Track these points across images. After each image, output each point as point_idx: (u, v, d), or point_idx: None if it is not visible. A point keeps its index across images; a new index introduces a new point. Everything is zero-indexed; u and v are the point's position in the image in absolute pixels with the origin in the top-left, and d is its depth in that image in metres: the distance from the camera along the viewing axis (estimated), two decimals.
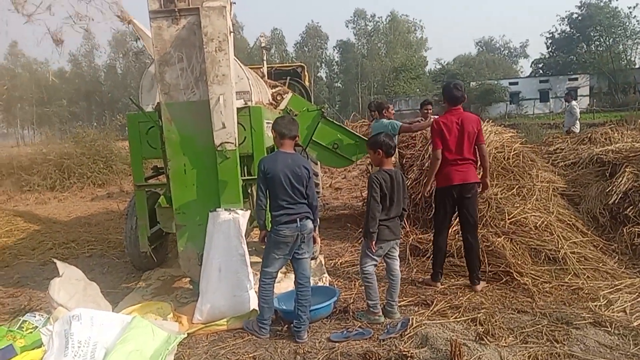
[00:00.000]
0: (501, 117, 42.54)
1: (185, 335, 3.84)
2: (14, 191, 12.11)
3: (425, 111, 7.63)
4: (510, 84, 54.04)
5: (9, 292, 5.46)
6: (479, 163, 4.72)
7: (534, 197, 5.80)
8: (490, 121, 8.22)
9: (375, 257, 4.06)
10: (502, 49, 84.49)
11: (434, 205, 4.94)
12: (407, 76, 60.84)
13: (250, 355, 3.58)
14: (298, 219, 3.80)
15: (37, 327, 3.76)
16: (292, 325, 3.87)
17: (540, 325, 3.74)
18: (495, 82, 52.22)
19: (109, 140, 14.80)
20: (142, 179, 5.16)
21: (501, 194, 5.76)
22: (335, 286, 4.81)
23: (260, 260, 4.05)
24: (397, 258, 4.19)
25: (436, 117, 6.38)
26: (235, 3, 4.28)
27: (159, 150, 4.80)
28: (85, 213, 10.13)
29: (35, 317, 3.88)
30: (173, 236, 5.35)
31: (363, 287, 4.20)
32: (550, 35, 62.16)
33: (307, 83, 10.06)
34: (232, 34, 4.13)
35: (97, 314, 3.59)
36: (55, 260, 4.33)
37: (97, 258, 6.67)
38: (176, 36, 4.09)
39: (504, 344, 3.45)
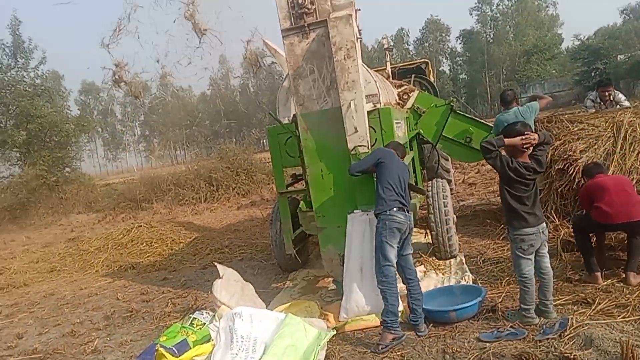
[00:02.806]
0: None
1: (335, 332, 4.01)
2: (173, 205, 13.72)
3: (606, 94, 6.70)
4: None
5: (178, 293, 6.19)
6: None
7: None
8: None
9: (527, 257, 3.72)
10: None
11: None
12: (540, 58, 56.02)
13: (397, 353, 3.62)
14: (406, 210, 3.99)
15: (205, 323, 4.21)
16: (410, 320, 3.94)
17: None
18: None
19: (249, 153, 16.04)
20: (283, 186, 5.53)
21: None
22: (480, 285, 4.63)
23: None
24: (547, 255, 3.85)
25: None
26: (360, 10, 4.40)
27: (297, 159, 5.11)
28: (234, 221, 11.11)
29: (203, 314, 4.36)
30: (314, 238, 5.65)
31: (519, 290, 3.89)
32: None
33: (432, 78, 9.85)
34: (359, 40, 4.25)
35: (255, 312, 3.93)
36: (216, 264, 4.82)
37: (247, 261, 7.27)
38: (307, 49, 4.33)
39: None
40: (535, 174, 3.69)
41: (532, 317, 3.73)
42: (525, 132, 3.67)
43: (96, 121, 47.43)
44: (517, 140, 3.65)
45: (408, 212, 4.03)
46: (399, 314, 4.12)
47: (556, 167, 5.73)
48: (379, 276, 3.90)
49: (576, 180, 5.36)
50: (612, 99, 6.74)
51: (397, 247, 3.93)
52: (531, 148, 3.69)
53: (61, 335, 5.27)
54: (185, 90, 74.53)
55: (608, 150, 5.43)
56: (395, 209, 3.91)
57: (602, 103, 6.77)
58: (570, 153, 5.60)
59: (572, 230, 4.76)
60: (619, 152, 5.33)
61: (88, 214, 15.04)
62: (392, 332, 3.77)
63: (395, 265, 3.93)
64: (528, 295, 3.73)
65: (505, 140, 3.69)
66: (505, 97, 6.39)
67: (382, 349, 3.68)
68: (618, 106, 6.59)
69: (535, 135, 3.67)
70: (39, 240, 12.04)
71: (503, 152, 3.74)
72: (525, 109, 6.10)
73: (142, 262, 8.20)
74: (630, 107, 6.37)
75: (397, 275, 4.15)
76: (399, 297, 4.10)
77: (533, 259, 3.74)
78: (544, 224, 3.78)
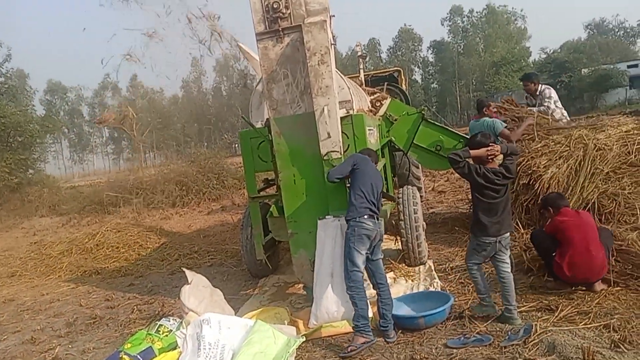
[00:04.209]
0: (620, 104, 38.58)
1: (304, 339, 3.99)
2: (141, 209, 13.42)
3: (526, 88, 7.22)
4: (629, 66, 48.67)
5: (144, 299, 6.05)
6: None
7: None
8: (604, 114, 7.42)
9: (477, 260, 4.02)
10: (617, 30, 76.60)
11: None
12: (508, 69, 57.63)
13: (366, 359, 3.62)
14: (376, 217, 4.01)
15: (171, 330, 4.13)
16: (380, 326, 3.94)
17: None
18: (612, 67, 47.38)
19: (220, 157, 15.85)
20: (255, 191, 5.48)
21: (629, 189, 5.23)
22: (448, 291, 4.69)
23: None
24: (507, 261, 3.98)
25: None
26: (334, 16, 4.42)
27: (269, 163, 5.08)
28: (204, 226, 10.94)
29: (169, 321, 4.27)
30: (285, 244, 5.62)
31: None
32: None
33: (404, 87, 9.99)
34: (333, 46, 4.27)
35: (223, 318, 3.87)
36: (184, 269, 4.72)
37: (217, 267, 7.17)
38: (281, 54, 4.33)
39: None
40: (505, 179, 3.85)
41: (490, 303, 4.02)
42: (489, 144, 3.90)
43: (62, 122, 46.18)
44: (482, 151, 3.89)
45: (378, 219, 4.05)
46: (369, 320, 4.14)
47: (521, 182, 5.85)
48: (347, 281, 3.92)
49: (540, 195, 5.49)
50: (538, 93, 7.13)
51: (366, 253, 3.96)
52: (496, 159, 3.90)
53: (20, 342, 5.07)
54: (156, 92, 73.44)
55: (571, 167, 5.58)
56: (365, 216, 3.93)
57: (531, 97, 7.23)
58: (534, 168, 5.74)
59: (531, 242, 4.80)
60: (585, 170, 5.46)
61: (52, 217, 14.55)
62: (364, 335, 3.80)
63: (362, 270, 3.95)
64: (478, 284, 4.04)
65: (471, 152, 3.91)
66: (479, 104, 6.79)
67: (351, 351, 3.68)
68: (545, 101, 7.07)
69: (498, 147, 3.91)
70: (0, 244, 11.59)
71: (471, 161, 3.92)
72: (490, 124, 6.28)
73: (108, 267, 7.98)
74: (549, 109, 6.91)
75: (368, 281, 4.18)
76: (369, 303, 4.12)
77: (482, 261, 4.07)
78: (507, 234, 3.94)
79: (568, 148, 5.75)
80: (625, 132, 5.91)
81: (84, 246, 9.11)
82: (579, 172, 5.47)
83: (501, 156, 3.99)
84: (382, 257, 4.19)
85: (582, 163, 5.52)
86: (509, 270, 3.96)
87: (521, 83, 7.68)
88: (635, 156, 5.57)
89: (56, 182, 19.20)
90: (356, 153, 4.40)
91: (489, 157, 3.89)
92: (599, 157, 5.56)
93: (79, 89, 76.26)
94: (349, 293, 3.91)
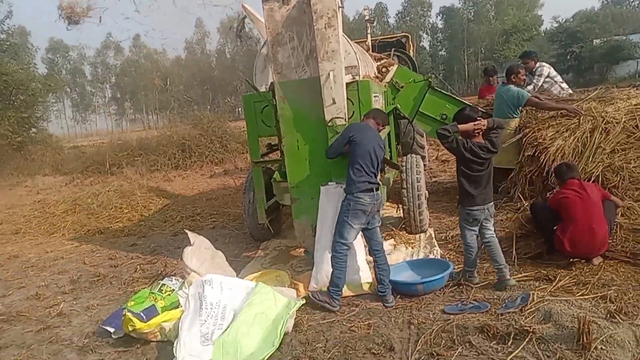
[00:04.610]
0: (630, 77, 37.83)
1: (304, 301, 4.05)
2: (144, 170, 13.45)
3: (527, 65, 7.17)
4: None
5: (147, 259, 6.13)
6: None
7: None
8: (614, 86, 7.28)
9: (472, 228, 4.12)
10: (632, 0, 74.54)
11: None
12: (518, 38, 56.39)
13: (364, 323, 3.69)
14: (374, 188, 3.99)
15: (174, 289, 4.19)
16: (378, 292, 4.04)
17: None
18: (624, 38, 46.26)
19: (223, 121, 15.75)
20: (258, 155, 5.46)
21: (635, 163, 5.19)
22: (447, 259, 4.74)
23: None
24: (491, 228, 4.15)
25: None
26: None
27: (273, 128, 5.04)
28: (206, 189, 10.99)
29: (172, 281, 4.34)
30: (287, 209, 5.65)
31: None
32: None
33: (412, 53, 9.80)
34: (340, 9, 4.16)
35: (225, 280, 3.92)
36: (187, 231, 4.78)
37: (219, 229, 7.24)
38: (287, 16, 4.23)
39: (639, 323, 3.18)
40: (489, 153, 3.99)
41: (473, 276, 4.20)
42: (477, 118, 4.00)
43: (64, 81, 45.71)
44: (469, 126, 3.99)
45: (378, 189, 4.04)
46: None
47: (526, 154, 5.80)
48: (332, 250, 4.05)
49: (546, 168, 5.46)
50: (534, 70, 7.14)
51: (361, 226, 4.03)
52: (482, 132, 4.01)
53: (25, 297, 5.17)
54: (159, 53, 72.42)
55: (578, 139, 5.52)
56: (362, 191, 3.94)
57: (530, 75, 7.18)
58: (540, 140, 5.67)
59: (530, 213, 4.81)
60: (592, 144, 5.39)
61: (55, 177, 14.60)
62: (329, 301, 3.97)
63: (350, 244, 4.05)
64: (470, 260, 4.18)
65: (459, 126, 4.01)
66: (509, 70, 6.44)
67: (314, 297, 4.01)
68: (535, 78, 7.13)
69: (485, 122, 4.00)
70: (3, 202, 11.67)
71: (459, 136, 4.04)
72: (516, 94, 6.14)
73: (111, 227, 8.06)
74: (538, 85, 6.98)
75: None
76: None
77: (477, 230, 4.14)
78: (491, 203, 4.12)
79: (577, 121, 5.67)
80: (635, 105, 5.81)
81: (87, 206, 9.19)
82: (586, 145, 5.40)
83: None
84: (380, 224, 4.23)
85: (590, 137, 5.45)
86: (494, 235, 4.15)
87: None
88: None
89: (59, 142, 19.16)
90: (353, 123, 4.30)
91: (476, 131, 3.99)
92: (606, 132, 5.48)
93: (81, 48, 75.20)
94: (332, 260, 4.04)
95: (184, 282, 4.30)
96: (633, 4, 73.63)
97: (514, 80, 6.29)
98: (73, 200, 9.68)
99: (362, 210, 3.95)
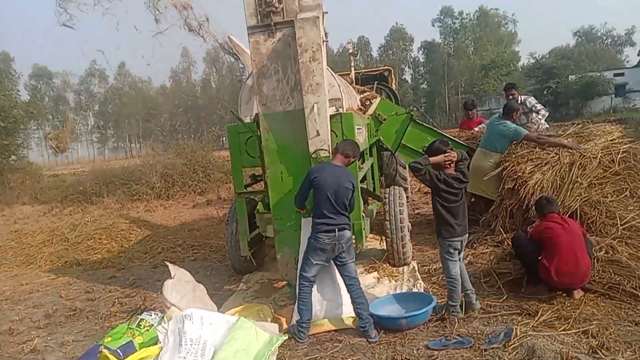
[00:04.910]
0: (605, 112, 39.09)
1: (286, 337, 3.98)
2: (125, 200, 13.27)
3: (510, 97, 7.30)
4: (615, 75, 49.36)
5: (126, 292, 5.97)
6: None
7: None
8: (589, 121, 7.48)
9: (454, 259, 4.16)
10: (605, 38, 77.81)
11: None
12: (497, 73, 58.16)
13: (348, 359, 3.63)
14: (337, 229, 4.00)
15: (153, 325, 4.06)
16: (359, 327, 4.02)
17: None
18: (598, 74, 48.05)
19: (207, 150, 15.74)
20: (242, 186, 5.44)
21: (611, 197, 5.30)
22: (431, 293, 4.72)
23: (357, 267, 4.11)
24: (461, 255, 4.30)
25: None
26: (327, 13, 4.40)
27: (257, 159, 5.04)
28: (188, 219, 10.84)
29: (151, 315, 4.20)
30: (270, 241, 5.59)
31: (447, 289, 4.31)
32: None
33: (394, 86, 10.00)
34: (325, 43, 4.24)
35: (206, 314, 3.84)
36: (167, 263, 4.68)
37: (200, 261, 7.11)
38: (272, 49, 4.29)
39: (621, 359, 3.18)
40: (461, 183, 4.15)
41: (457, 311, 4.16)
42: (447, 150, 4.09)
43: (46, 109, 45.36)
44: (440, 158, 4.13)
45: (341, 230, 4.02)
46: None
47: (506, 187, 5.87)
48: (297, 285, 4.17)
49: (525, 201, 5.52)
50: (520, 103, 7.16)
51: (322, 263, 4.09)
52: (452, 164, 4.15)
53: None
54: (144, 82, 72.61)
55: (556, 173, 5.61)
56: (321, 232, 3.99)
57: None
58: (520, 174, 5.75)
59: (512, 245, 4.85)
60: (570, 178, 5.50)
61: (33, 206, 14.32)
62: (297, 335, 4.04)
63: (311, 280, 4.10)
64: (455, 293, 4.17)
65: (430, 159, 4.15)
66: (509, 107, 6.39)
67: (292, 330, 4.09)
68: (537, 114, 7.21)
69: (455, 153, 4.16)
70: None
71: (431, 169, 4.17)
72: (515, 132, 6.13)
73: (89, 258, 7.87)
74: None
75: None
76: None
77: (457, 261, 4.20)
78: (467, 234, 4.28)
79: (556, 155, 5.79)
80: (611, 140, 5.98)
81: (65, 236, 8.95)
82: (564, 179, 5.50)
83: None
84: (354, 260, 4.22)
85: (569, 171, 5.56)
86: (462, 261, 4.32)
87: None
88: (619, 165, 5.64)
89: (39, 170, 18.90)
90: (313, 166, 4.25)
91: (447, 163, 4.10)
92: (583, 167, 5.60)
93: (65, 75, 75.06)
94: (297, 294, 4.12)
95: (163, 316, 4.18)
96: (606, 41, 76.86)
97: (514, 117, 6.35)
98: (51, 231, 9.44)
99: (321, 249, 4.02)
